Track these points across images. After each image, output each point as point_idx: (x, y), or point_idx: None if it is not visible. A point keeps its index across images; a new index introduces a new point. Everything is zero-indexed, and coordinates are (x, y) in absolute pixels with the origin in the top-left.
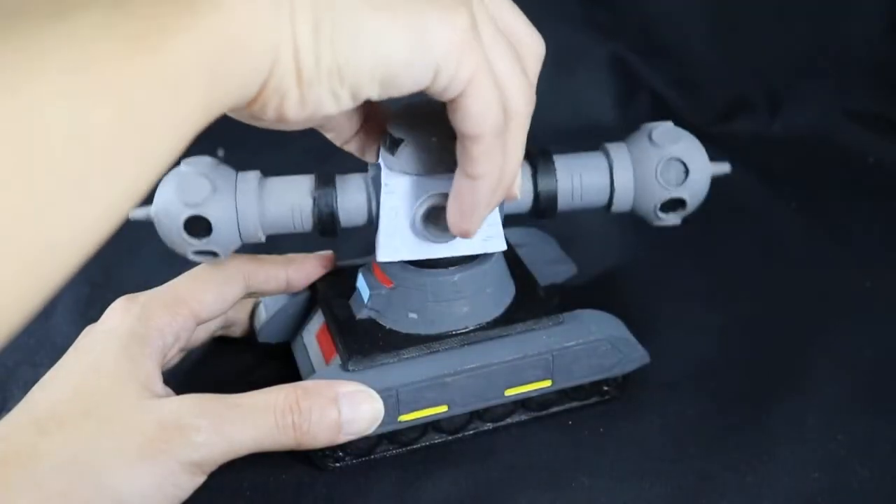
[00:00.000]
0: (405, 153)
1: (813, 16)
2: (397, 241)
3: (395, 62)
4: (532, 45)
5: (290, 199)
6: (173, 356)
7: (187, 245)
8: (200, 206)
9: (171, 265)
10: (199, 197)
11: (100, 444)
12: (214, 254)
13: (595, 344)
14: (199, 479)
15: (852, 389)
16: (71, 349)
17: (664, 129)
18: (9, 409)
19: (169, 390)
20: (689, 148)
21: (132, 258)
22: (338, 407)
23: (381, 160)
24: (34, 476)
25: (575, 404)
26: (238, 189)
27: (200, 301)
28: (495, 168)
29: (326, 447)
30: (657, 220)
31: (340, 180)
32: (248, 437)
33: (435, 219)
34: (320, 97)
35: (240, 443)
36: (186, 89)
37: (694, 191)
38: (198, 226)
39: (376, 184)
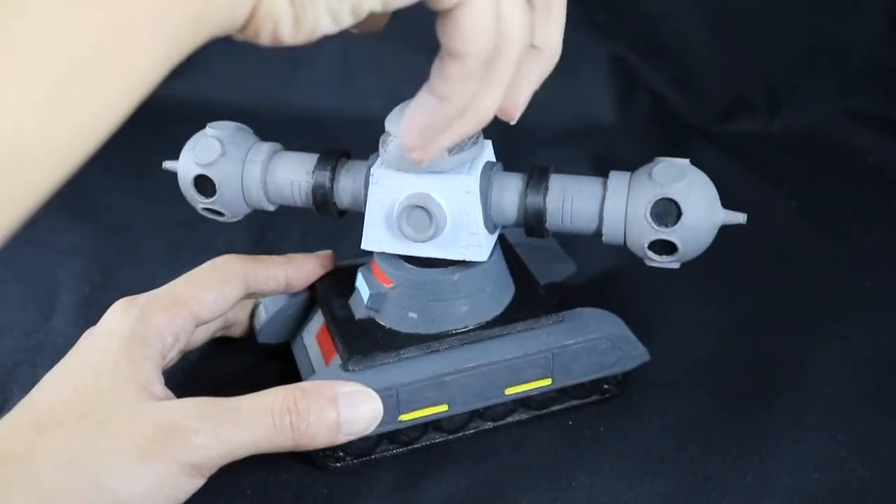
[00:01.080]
0: (392, 148)
1: (813, 16)
2: (380, 233)
3: None
4: None
5: (290, 174)
6: (173, 357)
7: (196, 201)
8: (208, 167)
9: (171, 265)
10: (208, 159)
11: (99, 444)
12: (220, 213)
13: (595, 342)
14: (199, 482)
15: (852, 389)
16: (71, 351)
17: (669, 166)
18: (9, 409)
19: (168, 392)
20: (689, 190)
21: (132, 258)
22: (336, 407)
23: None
24: (33, 476)
25: (575, 403)
26: (247, 158)
27: (200, 302)
28: (466, 94)
29: (326, 447)
30: (648, 260)
31: (343, 164)
32: (246, 440)
33: (412, 218)
34: (317, 17)
35: (238, 445)
36: (178, 9)
37: (688, 237)
38: (205, 185)
39: (369, 174)
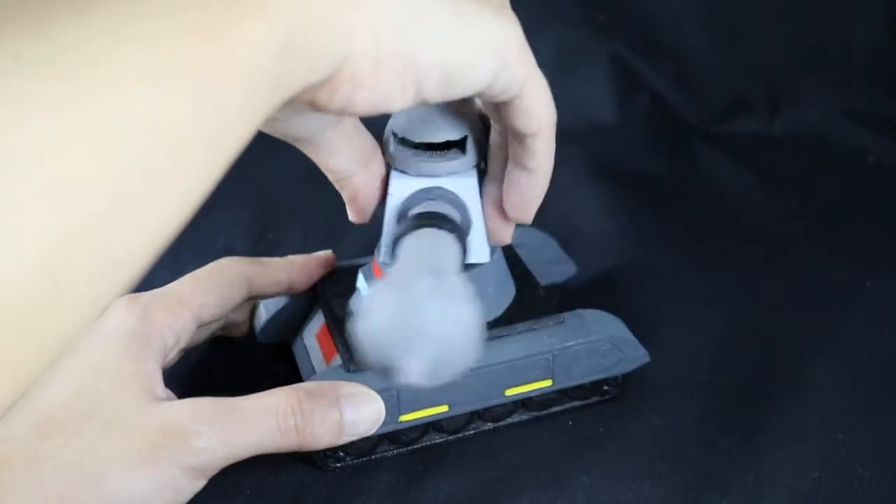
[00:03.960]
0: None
1: (813, 15)
2: None
3: (460, 60)
4: None
5: None
6: (173, 357)
7: None
8: None
9: (171, 265)
10: None
11: (100, 447)
12: None
13: (595, 343)
14: (200, 483)
15: (852, 389)
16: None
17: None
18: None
19: (169, 392)
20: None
21: None
22: (339, 409)
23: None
24: (35, 479)
25: (575, 404)
26: None
27: (202, 304)
28: (551, 159)
29: (328, 448)
30: None
31: None
32: (249, 442)
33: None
34: (390, 89)
35: (241, 447)
36: (261, 73)
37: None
38: None
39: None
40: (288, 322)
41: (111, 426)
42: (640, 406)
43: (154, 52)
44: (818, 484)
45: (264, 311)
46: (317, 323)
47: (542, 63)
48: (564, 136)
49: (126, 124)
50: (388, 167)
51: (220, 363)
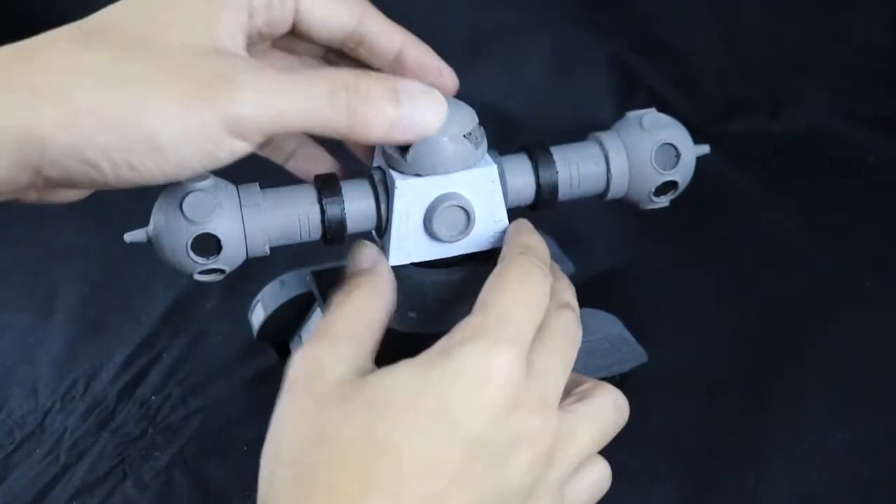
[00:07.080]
0: (418, 155)
1: (813, 15)
2: (409, 244)
3: None
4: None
5: (296, 209)
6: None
7: (193, 265)
8: (207, 223)
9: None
10: (206, 214)
11: (145, 75)
12: (221, 271)
13: (594, 343)
14: (240, 145)
15: (852, 389)
16: None
17: (652, 117)
18: (8, 409)
19: (241, 51)
20: (677, 132)
21: (132, 258)
22: (397, 99)
23: (382, 163)
24: (65, 90)
25: None
26: (242, 203)
27: None
28: None
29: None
30: (650, 203)
31: (345, 186)
32: (297, 108)
33: (448, 219)
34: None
35: (287, 110)
36: None
37: (684, 173)
38: (207, 244)
39: (384, 187)
40: (286, 321)
41: (162, 57)
42: (639, 406)
43: None
44: (818, 484)
45: (262, 310)
46: (316, 322)
47: (541, 63)
48: (564, 136)
49: None
50: (385, 170)
51: (220, 363)
